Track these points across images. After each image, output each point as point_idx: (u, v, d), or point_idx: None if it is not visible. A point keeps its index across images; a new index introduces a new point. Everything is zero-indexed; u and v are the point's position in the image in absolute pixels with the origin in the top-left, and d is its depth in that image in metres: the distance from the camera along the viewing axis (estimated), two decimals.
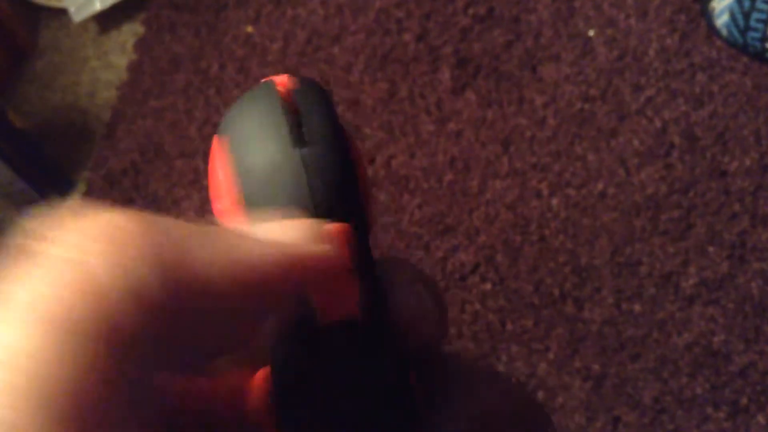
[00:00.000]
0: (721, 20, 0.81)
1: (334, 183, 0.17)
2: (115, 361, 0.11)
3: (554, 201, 0.80)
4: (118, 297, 0.12)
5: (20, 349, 0.11)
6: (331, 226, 0.17)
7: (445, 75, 0.88)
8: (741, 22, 0.79)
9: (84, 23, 1.07)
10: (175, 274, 0.12)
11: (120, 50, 1.05)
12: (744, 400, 0.70)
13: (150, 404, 0.13)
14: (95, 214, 0.13)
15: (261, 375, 0.17)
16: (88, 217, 0.13)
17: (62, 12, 1.08)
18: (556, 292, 0.76)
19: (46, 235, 0.13)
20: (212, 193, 0.19)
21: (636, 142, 0.81)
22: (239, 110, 0.18)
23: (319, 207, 0.17)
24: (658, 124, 0.81)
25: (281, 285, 0.15)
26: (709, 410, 0.70)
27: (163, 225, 0.13)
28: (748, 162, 0.78)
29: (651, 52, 0.84)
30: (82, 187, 0.97)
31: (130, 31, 1.05)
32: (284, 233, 0.15)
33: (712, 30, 0.83)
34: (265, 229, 0.15)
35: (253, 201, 0.17)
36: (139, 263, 0.12)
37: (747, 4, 0.78)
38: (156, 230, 0.13)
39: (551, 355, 0.74)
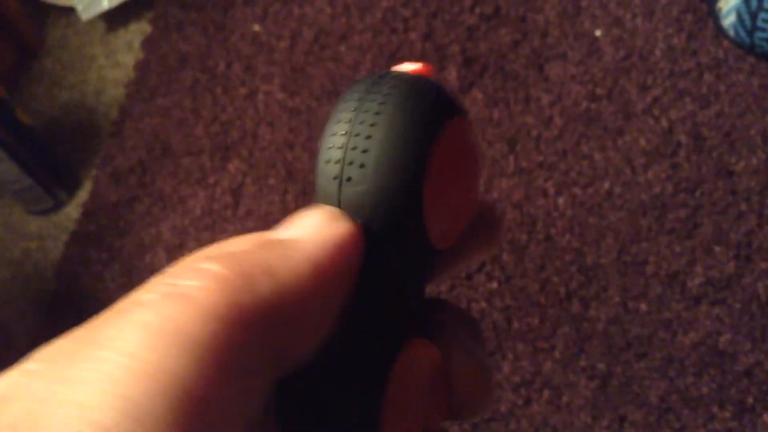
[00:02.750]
0: (728, 20, 0.81)
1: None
2: (225, 369, 0.14)
3: (560, 200, 0.80)
4: (222, 318, 0.14)
5: (151, 362, 0.13)
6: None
7: (452, 74, 0.88)
8: (748, 23, 0.79)
9: (91, 21, 1.07)
10: (265, 293, 0.15)
11: (127, 48, 1.05)
12: (750, 400, 0.70)
13: (251, 408, 0.15)
14: (199, 259, 0.16)
15: None
16: (198, 259, 0.16)
17: (70, 10, 1.08)
18: (562, 290, 0.76)
19: (167, 273, 0.16)
20: None
21: (642, 142, 0.81)
22: None
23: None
24: (664, 123, 0.81)
25: (338, 267, 0.17)
26: (715, 409, 0.70)
27: (247, 255, 0.16)
28: (754, 162, 0.78)
29: (658, 52, 0.84)
30: (88, 184, 0.97)
31: (138, 30, 1.05)
32: (311, 224, 0.17)
33: (719, 30, 0.83)
34: (296, 226, 0.17)
35: None
36: (236, 291, 0.15)
37: (754, 4, 0.78)
38: (242, 263, 0.15)
39: (557, 354, 0.74)
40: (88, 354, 0.14)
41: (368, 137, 0.18)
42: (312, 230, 0.17)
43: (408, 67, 0.20)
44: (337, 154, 0.18)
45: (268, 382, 0.15)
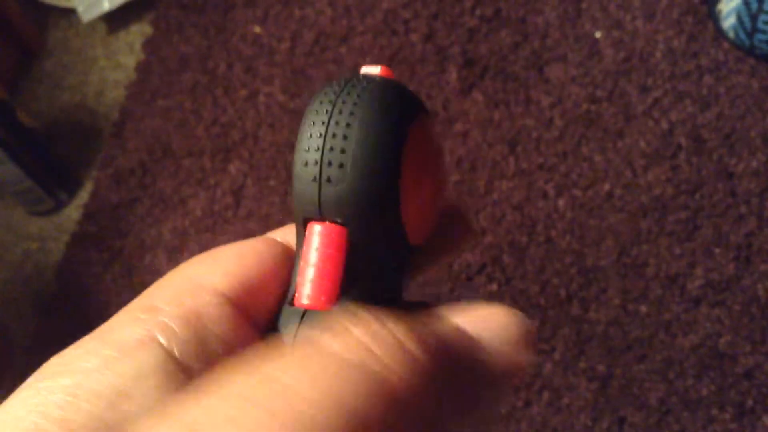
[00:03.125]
0: (728, 22, 0.81)
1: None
2: None
3: (561, 202, 0.80)
4: (403, 398, 0.14)
5: None
6: None
7: (452, 75, 0.88)
8: (748, 25, 0.79)
9: (92, 23, 1.07)
10: (429, 362, 0.15)
11: (128, 50, 1.05)
12: (750, 402, 0.70)
13: None
14: (368, 321, 0.15)
15: None
16: (363, 323, 0.15)
17: (71, 12, 1.08)
18: (563, 292, 0.76)
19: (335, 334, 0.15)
20: None
21: (643, 144, 0.81)
22: None
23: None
24: (664, 125, 0.81)
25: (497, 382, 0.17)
26: (715, 411, 0.70)
27: (413, 325, 0.15)
28: (754, 164, 0.78)
29: (658, 54, 0.84)
30: (89, 185, 0.98)
31: (139, 31, 1.06)
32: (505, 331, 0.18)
33: (719, 32, 0.83)
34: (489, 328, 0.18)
35: None
36: (409, 364, 0.14)
37: (754, 6, 0.78)
38: (411, 330, 0.15)
39: (557, 356, 0.74)
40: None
41: (345, 137, 0.18)
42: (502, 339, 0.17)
43: (373, 69, 0.21)
44: (314, 156, 0.18)
45: None
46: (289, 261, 0.21)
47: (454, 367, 0.15)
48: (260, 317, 0.19)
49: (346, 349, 0.14)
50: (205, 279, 0.19)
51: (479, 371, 0.16)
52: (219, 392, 0.13)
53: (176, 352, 0.17)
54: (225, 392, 0.13)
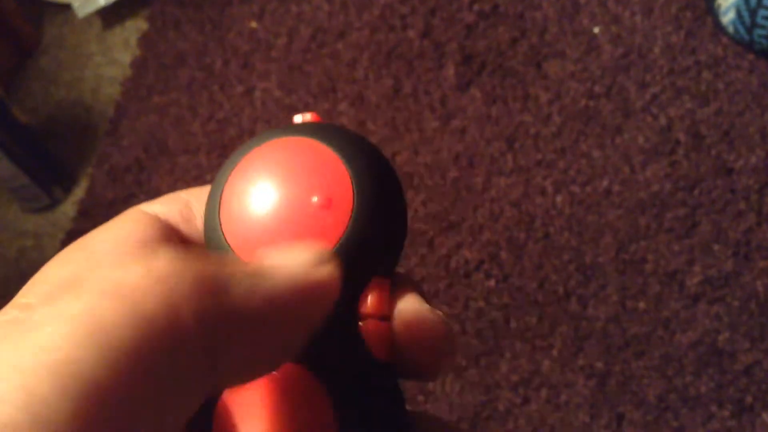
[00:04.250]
0: (728, 17, 0.81)
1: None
2: (144, 373, 0.13)
3: (559, 198, 0.80)
4: (154, 322, 0.14)
5: (72, 357, 0.13)
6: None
7: (450, 71, 0.88)
8: (747, 20, 0.79)
9: (88, 19, 1.07)
10: (212, 308, 0.15)
11: (124, 46, 1.05)
12: (749, 399, 0.70)
13: (172, 419, 0.14)
14: (157, 255, 0.15)
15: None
16: (154, 257, 0.15)
17: (66, 8, 1.08)
18: (561, 289, 0.76)
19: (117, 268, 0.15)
20: None
21: (641, 140, 0.80)
22: None
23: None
24: (663, 121, 0.81)
25: (297, 309, 0.16)
26: (714, 408, 0.70)
27: (207, 268, 0.15)
28: (753, 160, 0.77)
29: (656, 50, 0.84)
30: (85, 182, 0.97)
31: (134, 27, 1.05)
32: (293, 258, 0.17)
33: (718, 27, 0.83)
34: (278, 258, 0.17)
35: None
36: (180, 299, 0.14)
37: (753, 1, 0.78)
38: (198, 273, 0.15)
39: (555, 353, 0.74)
40: (8, 337, 0.13)
41: None
42: (292, 264, 0.17)
43: (301, 118, 0.21)
44: None
45: (195, 398, 0.15)
46: (171, 239, 0.20)
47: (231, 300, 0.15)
48: None
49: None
50: (80, 278, 0.18)
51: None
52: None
53: None
54: None
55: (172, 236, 0.20)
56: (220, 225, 0.19)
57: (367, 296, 0.19)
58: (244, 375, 0.16)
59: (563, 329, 0.75)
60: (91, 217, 0.94)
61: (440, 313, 0.20)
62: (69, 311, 0.13)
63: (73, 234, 0.94)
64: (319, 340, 0.18)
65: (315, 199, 0.18)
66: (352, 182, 0.19)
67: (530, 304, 0.76)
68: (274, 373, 0.18)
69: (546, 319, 0.75)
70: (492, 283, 0.78)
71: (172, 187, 0.92)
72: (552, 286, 0.76)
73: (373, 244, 0.19)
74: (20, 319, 0.14)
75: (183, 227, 0.21)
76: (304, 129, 0.20)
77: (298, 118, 0.21)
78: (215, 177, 0.20)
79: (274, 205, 0.19)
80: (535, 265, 0.77)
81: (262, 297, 0.16)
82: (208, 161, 0.91)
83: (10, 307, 0.17)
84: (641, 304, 0.74)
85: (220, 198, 0.19)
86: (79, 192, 0.97)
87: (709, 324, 0.72)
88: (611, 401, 0.72)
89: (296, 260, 0.17)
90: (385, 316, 0.19)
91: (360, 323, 0.19)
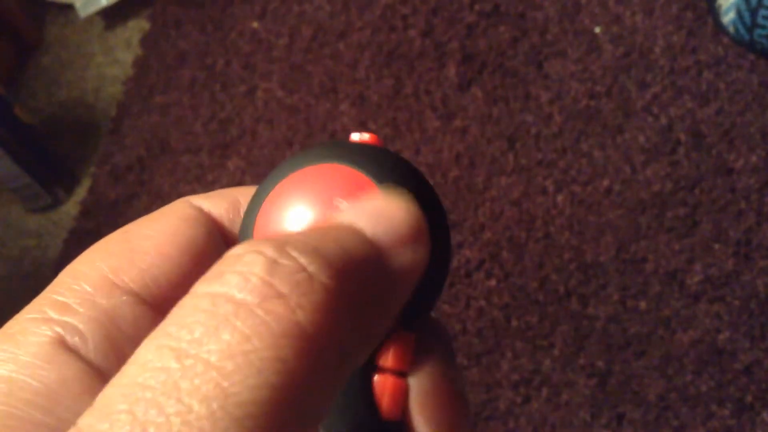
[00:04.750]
0: (728, 17, 0.81)
1: None
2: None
3: (560, 198, 0.80)
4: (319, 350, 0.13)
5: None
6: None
7: (451, 71, 0.88)
8: (748, 20, 0.79)
9: (90, 19, 1.07)
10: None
11: (126, 46, 1.05)
12: (749, 398, 0.70)
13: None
14: (267, 253, 0.14)
15: None
16: (262, 257, 0.14)
17: (68, 8, 1.08)
18: (561, 288, 0.76)
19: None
20: None
21: (642, 139, 0.80)
22: None
23: None
24: (664, 121, 0.81)
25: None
26: (714, 407, 0.70)
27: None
28: (754, 159, 0.78)
29: (657, 50, 0.84)
30: (87, 181, 0.97)
31: (136, 27, 1.05)
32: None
33: (719, 27, 0.83)
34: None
35: None
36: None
37: (754, 1, 0.78)
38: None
39: (556, 352, 0.74)
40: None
41: None
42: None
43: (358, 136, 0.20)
44: None
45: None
46: (215, 238, 0.19)
47: (361, 284, 0.14)
48: None
49: (247, 292, 0.13)
50: (120, 276, 0.18)
51: (380, 278, 0.15)
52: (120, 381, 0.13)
53: (92, 358, 0.17)
54: (126, 379, 0.13)
55: (215, 235, 0.20)
56: (253, 236, 0.19)
57: (387, 346, 0.18)
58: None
59: (564, 328, 0.75)
60: (93, 217, 0.94)
61: (462, 382, 0.19)
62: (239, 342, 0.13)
63: (75, 233, 0.94)
64: None
65: None
66: None
67: (531, 304, 0.76)
68: None
69: (547, 319, 0.75)
70: (493, 282, 0.78)
71: (174, 187, 0.92)
72: (553, 285, 0.76)
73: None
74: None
75: (228, 225, 0.20)
76: (352, 155, 0.19)
77: (355, 136, 0.20)
78: (255, 193, 0.19)
79: None
80: (535, 265, 0.78)
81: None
82: (209, 161, 0.92)
83: (44, 304, 0.17)
84: (642, 304, 0.74)
85: (256, 220, 0.19)
86: (81, 191, 0.98)
87: (710, 323, 0.73)
88: (612, 400, 0.72)
89: (402, 231, 0.16)
90: (403, 372, 0.18)
91: (375, 375, 0.18)
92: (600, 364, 0.73)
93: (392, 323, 0.16)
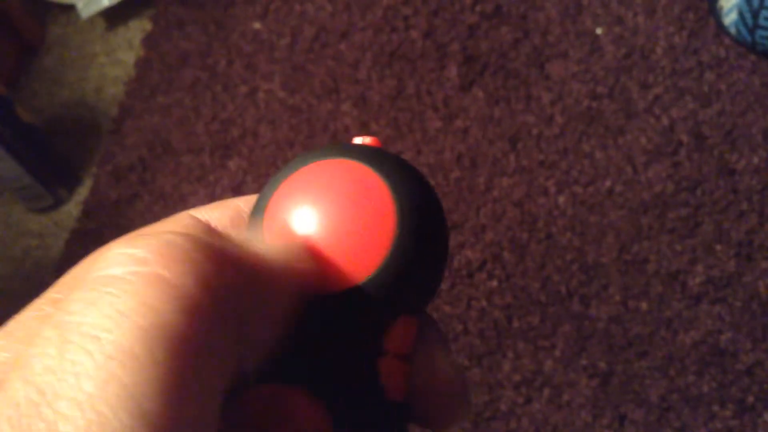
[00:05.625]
0: (730, 18, 0.81)
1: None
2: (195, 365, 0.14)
3: (561, 198, 0.80)
4: (197, 306, 0.14)
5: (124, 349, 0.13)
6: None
7: (453, 72, 0.88)
8: (749, 21, 0.79)
9: (92, 19, 1.07)
10: (214, 281, 0.15)
11: (127, 46, 1.05)
12: (750, 399, 0.70)
13: (212, 411, 0.14)
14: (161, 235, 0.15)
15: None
16: (171, 233, 0.15)
17: (70, 8, 1.08)
18: (563, 289, 0.76)
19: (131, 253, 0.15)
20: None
21: (643, 140, 0.81)
22: None
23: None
24: (665, 122, 0.81)
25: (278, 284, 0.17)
26: (716, 408, 0.70)
27: (211, 244, 0.15)
28: (756, 160, 0.78)
29: (659, 50, 0.84)
30: (89, 182, 0.97)
31: (138, 27, 1.05)
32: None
33: (721, 28, 0.83)
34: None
35: None
36: (185, 276, 0.14)
37: (756, 2, 0.78)
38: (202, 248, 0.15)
39: (558, 353, 0.74)
40: (56, 338, 0.14)
41: None
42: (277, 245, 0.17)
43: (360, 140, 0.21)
44: None
45: (226, 383, 0.15)
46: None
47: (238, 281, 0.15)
48: None
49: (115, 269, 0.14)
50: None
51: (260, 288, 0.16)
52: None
53: None
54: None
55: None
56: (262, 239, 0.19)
57: (392, 331, 0.19)
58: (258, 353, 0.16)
59: (566, 329, 0.75)
60: (95, 217, 0.94)
61: (461, 367, 0.20)
62: (115, 305, 0.14)
63: (77, 234, 0.94)
64: (335, 366, 0.18)
65: (356, 226, 0.18)
66: (396, 215, 0.18)
67: (533, 304, 0.76)
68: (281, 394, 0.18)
69: (548, 319, 0.75)
70: (494, 283, 0.78)
71: (176, 187, 0.92)
72: (554, 286, 0.76)
73: (410, 280, 0.18)
74: (52, 312, 0.15)
75: (233, 235, 0.21)
76: (357, 152, 0.20)
77: (358, 140, 0.21)
78: (261, 192, 0.20)
79: (316, 229, 0.19)
80: (537, 266, 0.78)
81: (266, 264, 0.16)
82: (211, 161, 0.92)
83: (40, 302, 0.18)
84: (643, 305, 0.74)
85: (264, 215, 0.19)
86: (83, 192, 0.98)
87: (712, 324, 0.73)
88: (613, 401, 0.72)
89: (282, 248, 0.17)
90: (406, 355, 0.19)
91: (379, 359, 0.18)
92: (602, 364, 0.73)
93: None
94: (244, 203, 0.21)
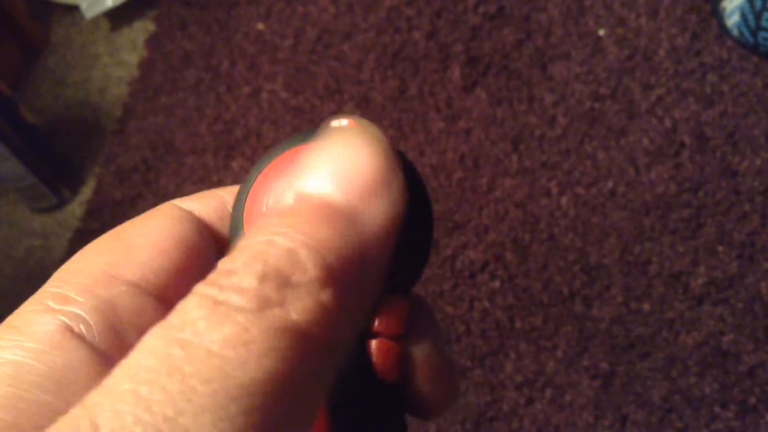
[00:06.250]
0: (732, 20, 0.81)
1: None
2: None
3: (564, 199, 0.80)
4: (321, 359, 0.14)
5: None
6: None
7: (455, 73, 0.88)
8: (752, 22, 0.79)
9: (95, 20, 1.07)
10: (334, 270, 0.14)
11: (131, 47, 1.05)
12: (752, 400, 0.70)
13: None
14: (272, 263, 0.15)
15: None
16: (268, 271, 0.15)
17: (74, 9, 1.08)
18: (565, 290, 0.76)
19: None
20: None
21: (646, 141, 0.81)
22: None
23: None
24: (668, 123, 0.81)
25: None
26: (718, 409, 0.70)
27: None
28: (758, 162, 0.78)
29: (661, 52, 0.84)
30: (92, 182, 0.98)
31: (142, 28, 1.06)
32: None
33: (723, 30, 0.83)
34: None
35: None
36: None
37: (758, 4, 0.78)
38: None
39: (560, 353, 0.74)
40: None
41: None
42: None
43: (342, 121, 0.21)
44: None
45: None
46: (205, 236, 0.20)
47: (351, 272, 0.15)
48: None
49: (245, 301, 0.14)
50: (117, 270, 0.18)
51: (364, 247, 0.15)
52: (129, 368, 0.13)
53: (97, 344, 0.17)
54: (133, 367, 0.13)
55: (205, 233, 0.20)
56: (243, 228, 0.20)
57: (383, 312, 0.19)
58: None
59: (568, 330, 0.75)
60: (98, 217, 0.95)
61: (451, 350, 0.20)
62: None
63: (80, 233, 0.95)
64: None
65: None
66: None
67: (535, 305, 0.76)
68: None
69: (551, 320, 0.76)
70: (497, 283, 0.78)
71: (179, 187, 0.92)
72: (557, 287, 0.77)
73: (397, 258, 0.18)
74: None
75: (217, 224, 0.21)
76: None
77: (335, 123, 0.21)
78: (244, 178, 0.20)
79: None
80: (539, 266, 0.78)
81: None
82: (214, 161, 0.92)
83: (46, 297, 0.18)
84: (645, 305, 0.74)
85: (245, 201, 0.20)
86: (86, 192, 0.98)
87: (714, 325, 0.73)
88: (615, 402, 0.72)
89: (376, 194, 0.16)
90: (397, 336, 0.19)
91: (371, 340, 0.18)
92: (604, 365, 0.73)
93: (379, 289, 0.16)
94: (228, 193, 0.21)
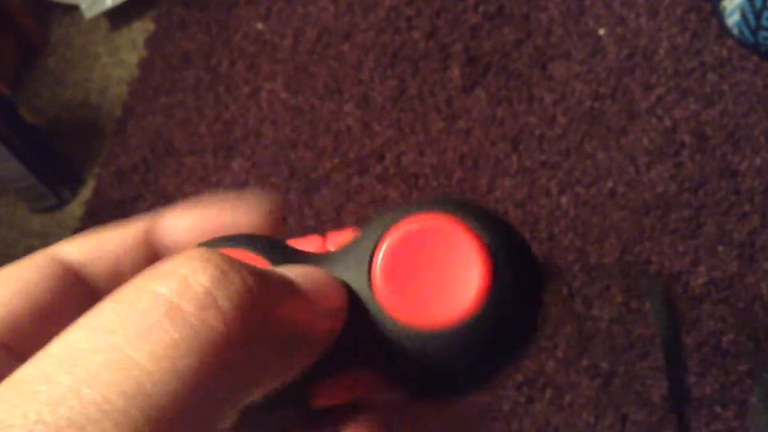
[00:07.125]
0: (732, 19, 0.81)
1: None
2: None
3: (563, 199, 0.80)
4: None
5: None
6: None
7: (455, 73, 0.88)
8: (752, 22, 0.79)
9: (95, 20, 1.07)
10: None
11: (131, 47, 1.05)
12: (753, 400, 0.70)
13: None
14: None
15: None
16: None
17: (74, 8, 1.08)
18: (565, 289, 0.76)
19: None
20: None
21: (646, 141, 0.81)
22: None
23: None
24: (668, 123, 0.81)
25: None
26: (718, 409, 0.70)
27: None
28: (758, 161, 0.78)
29: (661, 51, 0.84)
30: (92, 182, 0.98)
31: (141, 28, 1.05)
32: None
33: (723, 29, 0.83)
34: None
35: None
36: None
37: (758, 3, 0.78)
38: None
39: (560, 353, 0.74)
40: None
41: None
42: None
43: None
44: None
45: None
46: (74, 290, 0.19)
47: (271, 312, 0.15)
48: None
49: (187, 300, 0.13)
50: None
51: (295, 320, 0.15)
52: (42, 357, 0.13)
53: None
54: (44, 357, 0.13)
55: (76, 286, 0.20)
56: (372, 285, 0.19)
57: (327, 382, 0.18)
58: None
59: (567, 330, 0.75)
60: (98, 217, 0.95)
61: None
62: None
63: (80, 234, 0.95)
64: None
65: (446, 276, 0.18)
66: (490, 290, 0.18)
67: None
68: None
69: (550, 320, 0.76)
70: None
71: (179, 188, 0.92)
72: (556, 286, 0.77)
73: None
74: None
75: (94, 271, 0.20)
76: (466, 213, 0.19)
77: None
78: (363, 233, 0.19)
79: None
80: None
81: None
82: (214, 162, 0.92)
83: None
84: (646, 305, 0.74)
85: (372, 259, 0.19)
86: (86, 192, 0.98)
87: (714, 325, 0.73)
88: (615, 402, 0.72)
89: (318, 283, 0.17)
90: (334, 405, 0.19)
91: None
92: (604, 365, 0.73)
93: (301, 368, 0.16)
94: (216, 210, 0.21)
